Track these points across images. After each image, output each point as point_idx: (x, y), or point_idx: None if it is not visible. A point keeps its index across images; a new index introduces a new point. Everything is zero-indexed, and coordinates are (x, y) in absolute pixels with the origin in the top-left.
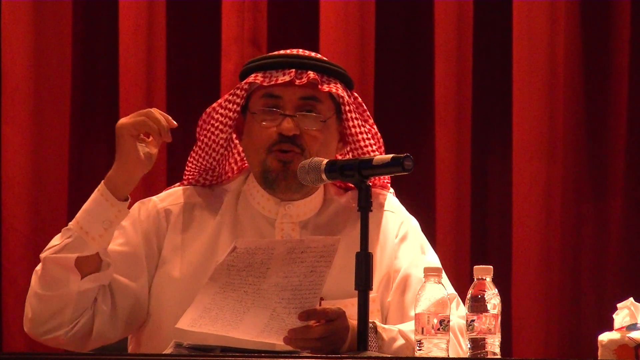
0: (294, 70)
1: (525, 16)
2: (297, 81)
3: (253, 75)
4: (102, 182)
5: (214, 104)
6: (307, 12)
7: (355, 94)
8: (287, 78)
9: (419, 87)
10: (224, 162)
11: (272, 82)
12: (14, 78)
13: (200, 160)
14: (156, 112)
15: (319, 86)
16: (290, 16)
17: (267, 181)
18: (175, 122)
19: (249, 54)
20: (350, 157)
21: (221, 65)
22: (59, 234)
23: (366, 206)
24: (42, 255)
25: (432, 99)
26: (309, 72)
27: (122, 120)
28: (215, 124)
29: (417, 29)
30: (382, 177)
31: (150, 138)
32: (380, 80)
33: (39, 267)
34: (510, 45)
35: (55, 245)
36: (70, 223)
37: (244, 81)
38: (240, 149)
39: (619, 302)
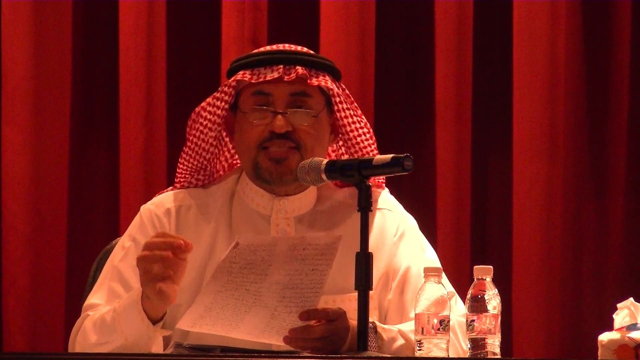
0: (281, 66)
1: (525, 16)
2: (286, 77)
3: (241, 72)
4: (140, 302)
5: (203, 103)
6: (308, 12)
7: (343, 86)
8: (275, 75)
9: (419, 87)
10: (215, 161)
11: (261, 79)
12: (14, 78)
13: (191, 160)
14: (150, 242)
15: (308, 81)
16: (290, 16)
17: (260, 178)
18: (180, 241)
19: None
20: (343, 148)
21: (221, 65)
22: (99, 323)
23: (366, 206)
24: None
25: (432, 99)
26: (297, 67)
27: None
28: (204, 123)
29: (417, 29)
30: (377, 176)
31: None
32: (380, 80)
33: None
34: (511, 45)
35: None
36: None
37: (232, 79)
38: (231, 146)
39: (619, 302)
